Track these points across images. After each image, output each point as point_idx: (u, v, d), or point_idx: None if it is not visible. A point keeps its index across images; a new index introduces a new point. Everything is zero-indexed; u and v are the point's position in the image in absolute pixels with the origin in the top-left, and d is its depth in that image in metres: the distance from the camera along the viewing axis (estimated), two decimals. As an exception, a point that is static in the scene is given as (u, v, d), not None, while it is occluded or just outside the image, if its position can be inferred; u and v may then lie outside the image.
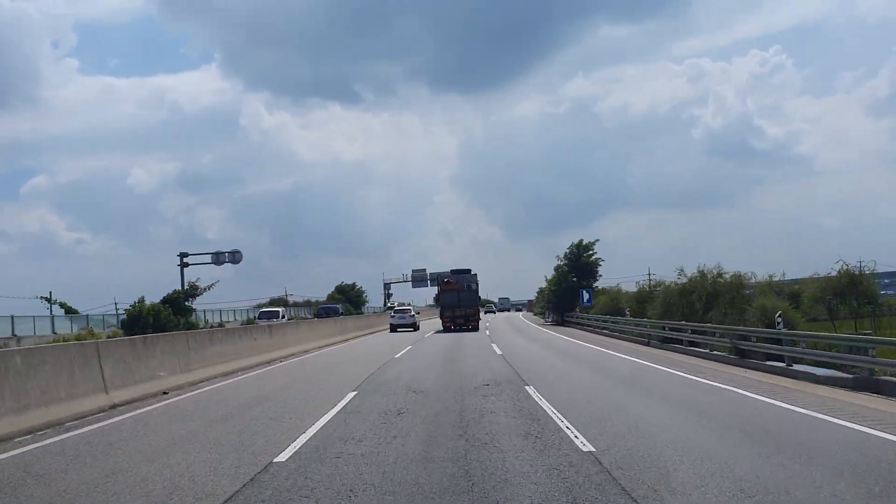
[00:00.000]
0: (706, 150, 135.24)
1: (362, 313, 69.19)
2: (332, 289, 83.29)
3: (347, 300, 76.35)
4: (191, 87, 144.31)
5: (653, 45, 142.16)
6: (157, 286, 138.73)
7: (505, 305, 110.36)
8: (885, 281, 35.34)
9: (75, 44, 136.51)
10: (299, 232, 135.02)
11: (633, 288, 38.08)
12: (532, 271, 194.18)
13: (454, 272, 43.76)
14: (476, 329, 39.82)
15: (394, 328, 42.97)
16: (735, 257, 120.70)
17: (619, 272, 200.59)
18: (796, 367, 14.66)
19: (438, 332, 39.34)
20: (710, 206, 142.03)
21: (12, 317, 33.62)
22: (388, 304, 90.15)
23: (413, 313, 45.27)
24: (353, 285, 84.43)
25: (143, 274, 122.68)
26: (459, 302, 40.92)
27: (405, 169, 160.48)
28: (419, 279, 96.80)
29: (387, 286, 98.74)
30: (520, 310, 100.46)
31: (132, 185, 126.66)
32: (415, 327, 43.34)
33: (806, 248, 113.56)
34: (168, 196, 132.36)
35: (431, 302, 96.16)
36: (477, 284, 42.84)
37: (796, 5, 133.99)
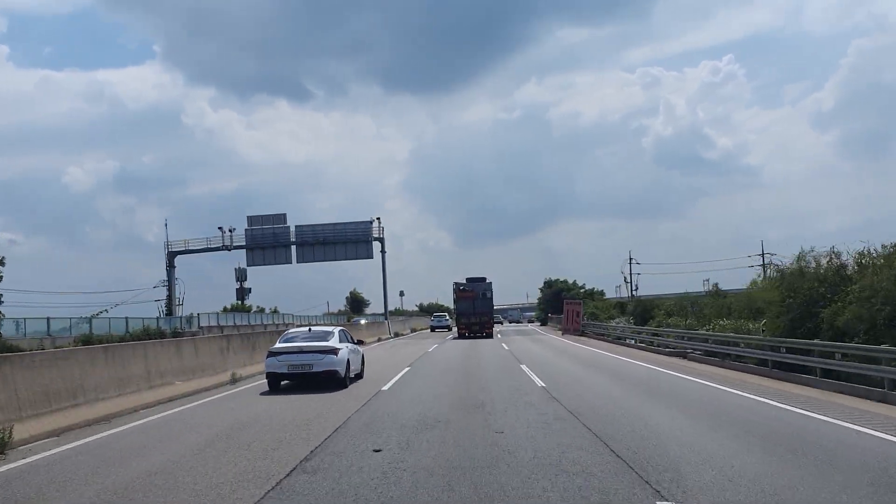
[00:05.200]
0: (655, 160, 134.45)
1: None
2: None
3: None
4: (131, 81, 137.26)
5: (607, 52, 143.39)
6: (94, 290, 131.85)
7: (514, 316, 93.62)
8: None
9: (5, 30, 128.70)
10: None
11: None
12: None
13: (470, 280, 45.13)
14: (490, 336, 41.46)
15: (433, 328, 58.12)
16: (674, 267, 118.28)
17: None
18: None
19: (455, 338, 41.95)
20: (657, 215, 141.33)
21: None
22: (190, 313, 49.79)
23: (448, 318, 60.56)
24: None
25: (79, 278, 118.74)
26: (475, 310, 42.79)
27: (355, 171, 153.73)
28: (264, 244, 48.54)
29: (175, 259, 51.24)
30: (532, 321, 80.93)
31: (68, 183, 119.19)
32: (449, 329, 56.53)
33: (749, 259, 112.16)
34: (106, 196, 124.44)
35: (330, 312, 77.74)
36: (492, 293, 44.44)
37: (748, 16, 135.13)
